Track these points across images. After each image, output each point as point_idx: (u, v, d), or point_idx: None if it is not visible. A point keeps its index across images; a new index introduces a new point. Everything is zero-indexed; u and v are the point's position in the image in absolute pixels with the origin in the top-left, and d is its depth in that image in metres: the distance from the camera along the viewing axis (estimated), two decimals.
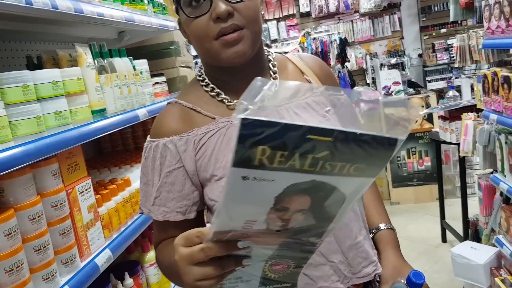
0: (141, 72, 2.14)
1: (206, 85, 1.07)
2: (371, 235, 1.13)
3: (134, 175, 1.88)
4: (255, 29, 0.98)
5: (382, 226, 1.14)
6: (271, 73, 1.10)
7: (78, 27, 2.03)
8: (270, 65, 1.11)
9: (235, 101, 1.04)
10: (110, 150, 2.52)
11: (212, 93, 1.06)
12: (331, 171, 0.60)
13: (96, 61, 1.71)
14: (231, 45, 0.95)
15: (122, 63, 1.90)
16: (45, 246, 1.19)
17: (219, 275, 0.74)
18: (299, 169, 0.59)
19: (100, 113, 1.65)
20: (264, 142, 0.55)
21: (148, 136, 1.09)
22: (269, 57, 1.12)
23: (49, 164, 1.27)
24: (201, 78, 1.09)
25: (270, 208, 0.65)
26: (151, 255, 1.95)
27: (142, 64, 2.19)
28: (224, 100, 1.05)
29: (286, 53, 1.21)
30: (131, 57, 2.03)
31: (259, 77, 0.62)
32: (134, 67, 2.03)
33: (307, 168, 0.59)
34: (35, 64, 1.67)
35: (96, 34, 2.23)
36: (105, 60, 1.79)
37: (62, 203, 1.29)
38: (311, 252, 0.78)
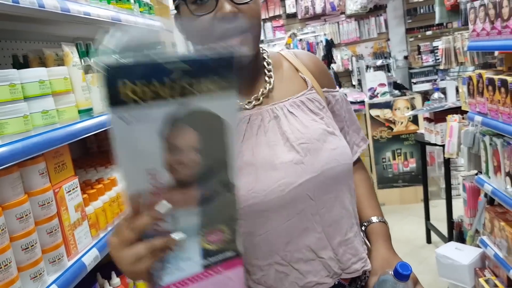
0: None
1: None
2: (363, 228, 1.14)
3: None
4: (257, 32, 1.00)
5: (374, 219, 1.15)
6: (266, 71, 1.10)
7: (64, 26, 2.02)
8: (265, 63, 1.11)
9: None
10: (96, 150, 2.50)
11: None
12: (196, 92, 0.67)
13: (82, 60, 1.70)
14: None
15: None
16: (32, 245, 1.19)
17: (152, 254, 0.71)
18: (165, 98, 0.65)
19: (86, 112, 1.65)
20: (126, 78, 0.62)
21: None
22: (264, 55, 1.12)
23: (36, 163, 1.26)
24: None
25: (162, 149, 0.68)
26: None
27: None
28: None
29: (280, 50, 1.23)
30: None
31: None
32: None
33: (174, 95, 0.66)
34: (21, 63, 1.66)
35: (82, 33, 2.22)
36: (92, 60, 1.78)
37: (49, 202, 1.29)
38: (232, 206, 0.79)
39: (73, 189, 1.44)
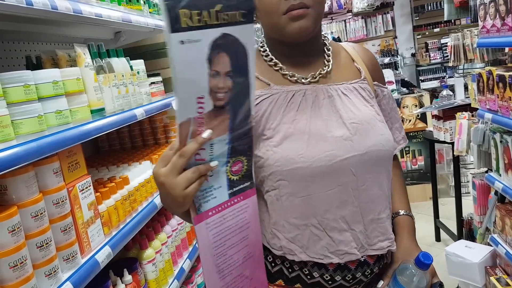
0: (138, 72, 2.15)
1: (266, 56, 1.18)
2: None
3: (132, 173, 1.89)
4: (319, 10, 1.08)
5: (402, 212, 1.24)
6: (325, 55, 1.19)
7: (75, 27, 2.05)
8: (325, 48, 1.20)
9: (290, 72, 1.14)
10: (108, 149, 2.53)
11: (270, 63, 1.16)
12: (229, 20, 0.82)
13: (94, 61, 1.72)
14: (296, 20, 1.04)
15: (119, 63, 1.91)
16: (47, 243, 1.21)
17: (199, 178, 0.88)
18: (210, 24, 0.80)
19: (99, 112, 1.67)
20: (183, 6, 0.76)
21: None
22: (325, 41, 1.22)
23: (50, 163, 1.28)
24: (262, 49, 1.19)
25: (208, 74, 0.83)
26: (149, 252, 1.96)
27: (139, 64, 2.20)
28: (280, 70, 1.15)
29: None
30: (128, 57, 2.04)
31: None
32: (131, 67, 2.04)
33: (215, 21, 0.81)
34: (34, 64, 1.68)
35: (92, 34, 2.24)
36: (103, 60, 1.80)
37: (63, 201, 1.30)
38: (249, 138, 0.97)
39: (86, 187, 1.46)
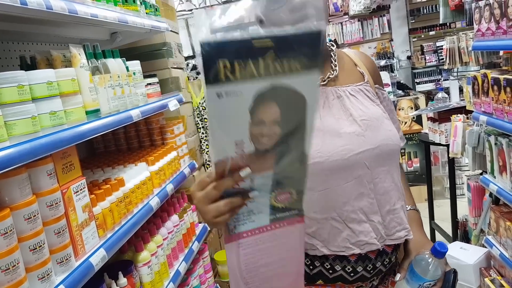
0: (134, 73, 2.14)
1: None
2: None
3: (127, 175, 1.88)
4: (323, 4, 1.14)
5: (409, 207, 1.30)
6: (332, 60, 1.25)
7: (70, 28, 2.03)
8: (332, 54, 1.26)
9: None
10: (103, 150, 2.52)
11: None
12: (282, 71, 0.72)
13: (90, 61, 1.71)
14: None
15: (115, 64, 1.90)
16: (40, 246, 1.19)
17: (231, 210, 0.86)
18: (257, 75, 0.71)
19: (94, 113, 1.66)
20: (222, 57, 0.67)
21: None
22: (331, 47, 1.27)
23: (44, 164, 1.27)
24: None
25: (249, 123, 0.76)
26: (144, 254, 1.95)
27: (135, 65, 2.19)
28: None
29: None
30: (124, 58, 2.03)
31: (202, 10, 0.74)
32: (127, 68, 2.03)
33: (262, 73, 0.71)
34: (28, 65, 1.67)
35: (88, 35, 2.23)
36: (99, 61, 1.79)
37: (57, 203, 1.29)
38: (302, 172, 0.90)
39: (81, 189, 1.45)
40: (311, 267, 1.15)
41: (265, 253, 0.96)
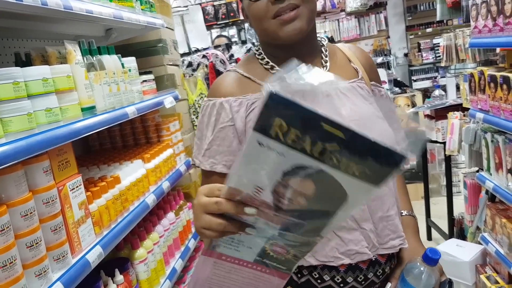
0: (129, 70, 2.13)
1: (262, 59, 1.18)
2: None
3: (123, 172, 1.87)
4: (311, 7, 1.07)
5: (405, 212, 1.24)
6: (323, 56, 1.19)
7: (65, 24, 2.02)
8: (322, 49, 1.20)
9: None
10: (98, 148, 2.51)
11: (267, 66, 1.17)
12: (337, 165, 0.64)
13: (85, 58, 1.70)
14: (288, 23, 1.04)
15: (111, 60, 1.89)
16: (37, 243, 1.19)
17: (221, 231, 0.81)
18: (309, 153, 0.63)
19: (89, 110, 1.65)
20: (283, 117, 0.61)
21: (205, 97, 1.21)
22: (322, 41, 1.22)
23: (40, 161, 1.26)
24: (257, 53, 1.20)
25: (277, 181, 0.69)
26: (140, 252, 1.95)
27: (131, 62, 2.18)
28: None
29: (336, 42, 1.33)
30: (120, 55, 2.03)
31: (295, 60, 0.69)
32: (122, 64, 2.02)
33: (316, 155, 0.63)
34: (23, 61, 1.66)
35: (83, 31, 2.22)
36: (94, 58, 1.78)
37: (53, 200, 1.29)
38: (309, 245, 0.82)
39: (77, 186, 1.44)
40: (299, 275, 1.09)
41: (234, 284, 0.91)
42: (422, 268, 1.01)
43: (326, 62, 1.18)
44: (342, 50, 1.25)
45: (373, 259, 1.07)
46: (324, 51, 1.20)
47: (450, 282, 1.05)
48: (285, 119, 0.61)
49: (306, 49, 1.15)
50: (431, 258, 0.99)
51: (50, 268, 1.24)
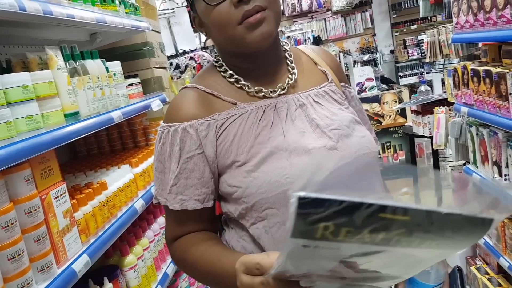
0: (114, 74, 2.11)
1: (224, 71, 1.06)
2: None
3: (110, 178, 1.85)
4: (276, 9, 0.98)
5: None
6: (288, 62, 1.10)
7: (48, 29, 2.00)
8: (287, 55, 1.11)
9: (256, 88, 1.04)
10: (85, 154, 2.48)
11: (231, 79, 1.06)
12: (408, 245, 0.56)
13: (67, 63, 1.68)
14: (256, 27, 0.94)
15: (94, 65, 1.87)
16: (19, 254, 1.16)
17: None
18: (369, 242, 0.56)
19: (73, 116, 1.62)
20: (326, 220, 0.52)
21: (161, 121, 1.06)
22: (285, 47, 1.13)
23: (21, 170, 1.23)
24: (218, 64, 1.08)
25: (335, 265, 0.63)
26: (130, 258, 1.93)
27: (115, 66, 2.16)
28: (244, 87, 1.04)
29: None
30: (104, 59, 2.00)
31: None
32: (107, 69, 2.00)
33: (378, 242, 0.56)
34: (4, 68, 1.63)
35: (67, 36, 2.19)
36: (77, 63, 1.75)
37: (36, 209, 1.26)
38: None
39: (61, 194, 1.42)
40: None
41: None
42: None
43: (293, 68, 1.09)
44: (306, 53, 1.17)
45: None
46: (288, 57, 1.11)
47: (459, 270, 1.02)
48: (331, 221, 0.53)
49: (272, 56, 1.06)
50: None
51: (34, 279, 1.21)
